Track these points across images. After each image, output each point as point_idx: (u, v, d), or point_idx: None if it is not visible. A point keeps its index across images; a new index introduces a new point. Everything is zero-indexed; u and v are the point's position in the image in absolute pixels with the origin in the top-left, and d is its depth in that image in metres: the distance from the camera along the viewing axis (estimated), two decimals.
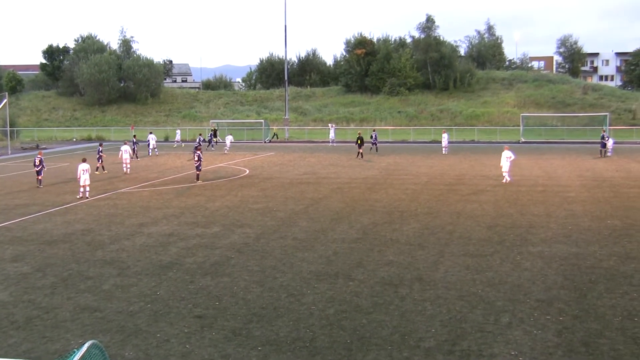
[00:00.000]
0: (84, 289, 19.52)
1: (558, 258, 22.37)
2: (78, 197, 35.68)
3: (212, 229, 28.08)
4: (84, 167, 36.46)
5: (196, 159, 43.62)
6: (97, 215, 31.79)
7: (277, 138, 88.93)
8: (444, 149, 66.37)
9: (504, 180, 41.70)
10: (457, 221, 29.04)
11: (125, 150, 51.12)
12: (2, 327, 16.34)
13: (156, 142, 70.35)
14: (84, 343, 7.37)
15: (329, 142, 79.89)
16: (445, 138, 67.38)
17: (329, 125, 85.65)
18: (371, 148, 66.11)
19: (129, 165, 51.05)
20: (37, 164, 41.99)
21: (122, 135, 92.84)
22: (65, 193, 35.67)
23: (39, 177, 42.00)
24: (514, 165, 47.61)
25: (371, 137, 68.07)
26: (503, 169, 42.25)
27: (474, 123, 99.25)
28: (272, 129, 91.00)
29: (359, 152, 60.01)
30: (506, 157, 42.04)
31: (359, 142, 60.73)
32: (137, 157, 61.91)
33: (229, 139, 70.18)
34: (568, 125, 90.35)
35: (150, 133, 71.02)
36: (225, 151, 67.85)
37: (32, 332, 16.01)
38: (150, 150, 67.37)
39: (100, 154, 50.66)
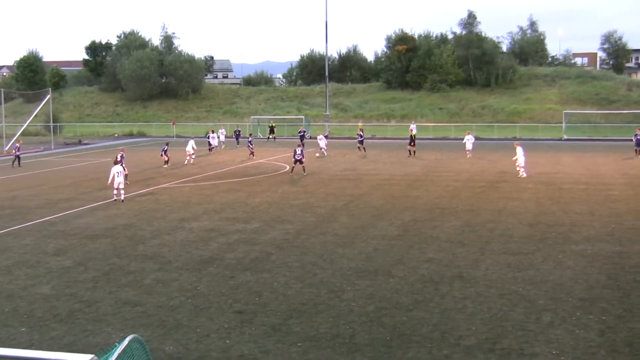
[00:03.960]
0: (125, 283, 19.70)
1: (601, 257, 22.11)
2: (113, 199, 34.88)
3: (253, 224, 28.16)
4: (117, 169, 35.26)
5: (299, 152, 45.15)
6: (138, 210, 32.05)
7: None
8: (467, 152, 57.55)
9: (521, 176, 41.99)
10: (498, 219, 28.83)
11: (190, 144, 54.72)
12: (45, 320, 16.54)
13: (225, 137, 71.83)
14: (125, 337, 7.42)
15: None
16: (470, 140, 58.35)
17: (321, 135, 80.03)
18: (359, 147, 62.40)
19: (193, 157, 54.74)
20: (118, 159, 41.07)
21: (164, 131, 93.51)
22: (107, 188, 35.92)
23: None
24: (557, 163, 47.17)
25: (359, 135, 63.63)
26: (519, 164, 42.64)
27: (515, 120, 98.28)
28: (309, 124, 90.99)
29: (410, 150, 58.51)
30: (521, 153, 42.50)
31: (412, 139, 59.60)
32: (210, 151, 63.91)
33: (322, 139, 65.88)
34: (612, 122, 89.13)
35: (220, 129, 71.63)
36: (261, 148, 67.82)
37: (74, 325, 16.18)
38: (218, 145, 67.81)
39: (165, 152, 52.57)
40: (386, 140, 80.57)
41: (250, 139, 60.40)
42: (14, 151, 55.99)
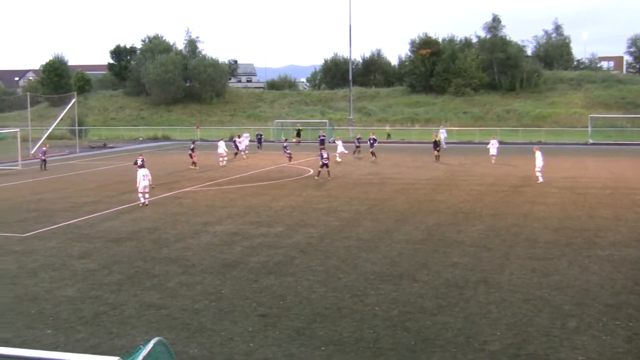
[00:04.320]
0: (149, 286, 19.77)
1: (628, 262, 21.92)
2: (140, 204, 34.50)
3: (276, 228, 28.18)
4: (143, 172, 35.20)
5: (325, 156, 45.44)
6: (162, 214, 32.16)
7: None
8: (492, 157, 55.88)
9: (539, 181, 41.63)
10: (523, 223, 28.67)
11: (220, 146, 55.56)
12: (71, 322, 16.63)
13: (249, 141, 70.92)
14: (150, 340, 7.43)
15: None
16: (494, 145, 56.44)
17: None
18: (354, 151, 63.58)
19: (225, 159, 55.64)
20: (139, 163, 41.15)
21: (188, 135, 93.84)
22: (132, 191, 36.06)
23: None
24: (582, 167, 46.85)
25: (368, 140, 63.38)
26: (537, 168, 42.31)
27: (540, 124, 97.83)
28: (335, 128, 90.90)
29: (436, 155, 57.56)
30: (540, 158, 42.18)
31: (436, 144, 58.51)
32: (244, 154, 63.04)
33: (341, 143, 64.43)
34: (638, 126, 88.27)
35: (245, 133, 71.39)
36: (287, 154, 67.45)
37: (99, 327, 16.25)
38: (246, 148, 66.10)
39: (192, 151, 53.61)
40: (410, 145, 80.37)
41: (285, 143, 60.49)
42: (40, 155, 56.30)
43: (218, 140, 59.28)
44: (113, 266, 22.21)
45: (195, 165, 52.90)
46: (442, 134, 73.29)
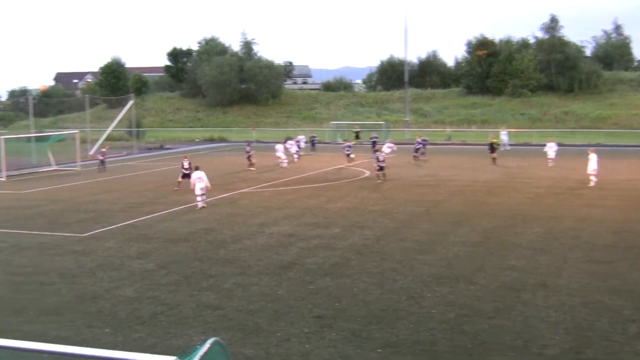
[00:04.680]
0: (206, 286, 19.91)
1: None
2: (197, 208, 34.09)
3: (332, 230, 28.18)
4: (197, 175, 34.75)
5: (381, 159, 45.03)
6: (219, 215, 32.38)
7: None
8: (549, 161, 53.71)
9: (590, 184, 40.91)
10: (582, 226, 28.26)
11: (279, 149, 55.84)
12: (128, 322, 16.83)
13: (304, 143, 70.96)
14: (207, 340, 7.45)
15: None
16: (552, 148, 54.29)
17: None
18: (421, 152, 59.83)
19: (285, 161, 55.67)
20: (186, 166, 41.31)
21: (244, 136, 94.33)
22: (188, 192, 36.33)
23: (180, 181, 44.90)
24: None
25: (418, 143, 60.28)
26: (591, 171, 41.66)
27: (600, 126, 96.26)
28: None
29: (493, 158, 56.22)
30: (594, 160, 41.59)
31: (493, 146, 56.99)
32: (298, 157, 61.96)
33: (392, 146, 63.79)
34: None
35: (300, 135, 71.41)
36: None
37: (157, 327, 16.42)
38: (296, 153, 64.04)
39: (248, 152, 54.17)
40: (466, 146, 79.78)
41: (346, 144, 60.08)
42: (99, 156, 57.08)
43: (275, 143, 59.98)
44: (170, 266, 22.43)
45: (252, 167, 53.25)
46: (504, 136, 72.76)
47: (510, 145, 72.70)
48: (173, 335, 15.90)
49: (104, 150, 57.95)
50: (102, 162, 55.89)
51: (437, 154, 62.89)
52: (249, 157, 54.15)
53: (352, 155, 57.40)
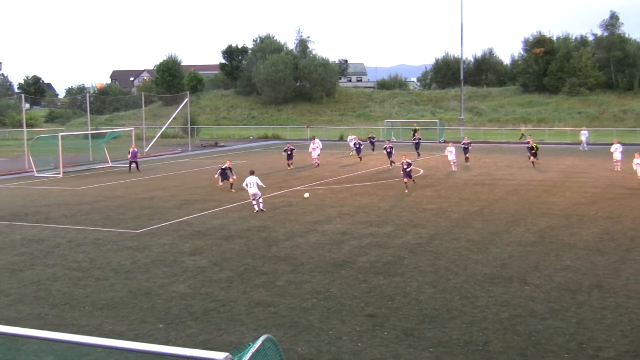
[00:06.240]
0: (258, 284, 19.97)
1: None
2: (255, 211, 32.83)
3: (385, 228, 28.09)
4: (250, 180, 33.03)
5: (405, 167, 39.50)
6: (272, 212, 32.46)
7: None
8: (616, 164, 49.61)
9: None
10: None
11: (314, 149, 55.71)
12: (182, 317, 16.95)
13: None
14: (259, 337, 7.47)
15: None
16: (618, 149, 49.92)
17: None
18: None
19: (317, 161, 55.36)
20: (225, 166, 41.18)
21: (298, 134, 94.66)
22: (241, 189, 36.44)
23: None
24: None
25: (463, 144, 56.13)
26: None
27: None
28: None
29: (532, 161, 52.61)
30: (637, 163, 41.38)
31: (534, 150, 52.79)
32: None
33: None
34: None
35: (351, 135, 69.32)
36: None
37: (209, 323, 16.51)
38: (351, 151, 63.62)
39: (291, 152, 53.67)
40: (522, 145, 78.83)
41: (387, 144, 58.38)
42: (129, 156, 54.69)
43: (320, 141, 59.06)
44: (223, 263, 22.56)
45: (290, 166, 53.08)
46: (584, 136, 72.11)
47: (588, 144, 71.62)
48: (225, 331, 15.98)
49: (133, 150, 54.99)
50: (134, 162, 53.88)
51: (492, 153, 62.01)
52: (290, 156, 53.33)
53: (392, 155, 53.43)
